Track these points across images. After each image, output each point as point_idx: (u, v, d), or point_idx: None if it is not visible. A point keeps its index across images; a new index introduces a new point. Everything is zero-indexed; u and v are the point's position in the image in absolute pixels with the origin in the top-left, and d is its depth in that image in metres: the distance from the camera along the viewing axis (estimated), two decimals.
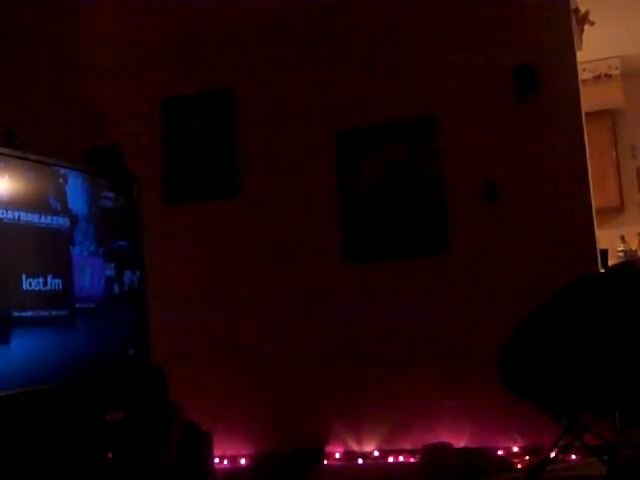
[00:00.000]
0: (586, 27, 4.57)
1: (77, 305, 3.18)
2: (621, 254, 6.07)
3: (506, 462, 3.74)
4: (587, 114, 4.14)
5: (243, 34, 4.45)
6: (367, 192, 4.20)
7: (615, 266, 4.27)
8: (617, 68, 6.29)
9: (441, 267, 4.06)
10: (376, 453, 4.04)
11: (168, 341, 4.11)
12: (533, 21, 4.02)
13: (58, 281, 3.08)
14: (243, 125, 4.43)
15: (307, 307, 4.23)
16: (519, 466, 3.70)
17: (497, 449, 3.84)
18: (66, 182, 3.21)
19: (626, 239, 6.21)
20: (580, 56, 4.26)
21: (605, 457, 3.08)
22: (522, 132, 4.00)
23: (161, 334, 3.90)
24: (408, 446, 3.97)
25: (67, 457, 2.86)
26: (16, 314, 2.84)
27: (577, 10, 4.37)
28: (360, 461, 4.02)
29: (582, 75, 4.84)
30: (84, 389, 3.15)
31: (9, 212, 2.87)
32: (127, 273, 3.51)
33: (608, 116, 6.47)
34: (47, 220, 3.07)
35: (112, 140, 3.82)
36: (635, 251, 6.15)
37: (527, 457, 3.76)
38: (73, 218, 3.21)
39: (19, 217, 2.92)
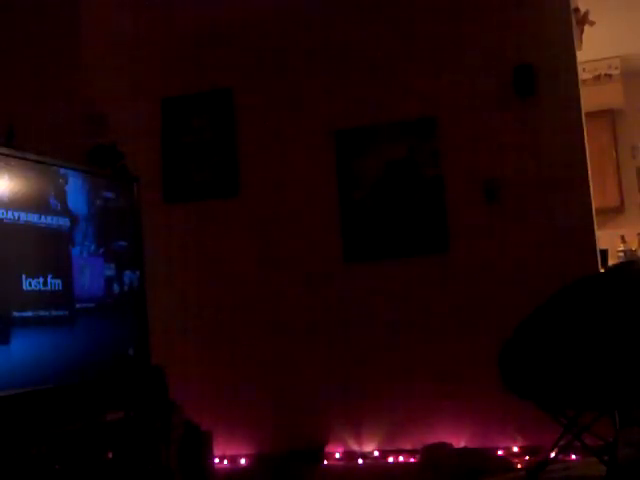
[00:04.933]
0: (586, 27, 4.57)
1: (77, 305, 3.18)
2: (621, 254, 6.07)
3: (506, 462, 3.74)
4: (587, 114, 4.14)
5: (243, 34, 4.45)
6: (367, 192, 4.20)
7: (615, 266, 4.27)
8: (617, 68, 6.28)
9: (441, 267, 4.06)
10: (376, 453, 4.04)
11: (168, 341, 4.11)
12: (533, 21, 4.02)
13: (58, 281, 3.08)
14: (243, 125, 4.43)
15: (307, 307, 4.23)
16: (519, 466, 3.70)
17: (497, 449, 3.84)
18: (66, 182, 3.21)
19: (626, 239, 6.21)
20: (580, 56, 4.26)
21: (605, 457, 3.08)
22: (522, 132, 4.00)
23: (161, 334, 3.90)
24: (408, 446, 3.97)
25: (67, 457, 2.86)
26: (16, 314, 2.84)
27: (577, 10, 4.38)
28: (360, 461, 4.02)
29: (582, 75, 4.85)
30: (84, 389, 3.15)
31: (9, 212, 2.87)
32: (127, 273, 3.51)
33: (608, 116, 6.46)
34: (47, 220, 3.07)
35: (112, 140, 3.82)
36: (635, 251, 6.15)
37: (527, 457, 3.76)
38: (73, 218, 3.22)
39: (19, 217, 2.92)
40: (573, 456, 3.63)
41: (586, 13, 4.50)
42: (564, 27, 4.02)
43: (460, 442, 3.90)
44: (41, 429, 2.81)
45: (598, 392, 2.99)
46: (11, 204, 2.88)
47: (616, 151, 6.48)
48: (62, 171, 3.20)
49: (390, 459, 3.98)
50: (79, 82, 4.49)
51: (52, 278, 3.04)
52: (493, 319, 3.87)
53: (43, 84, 4.41)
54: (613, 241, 6.03)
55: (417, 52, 4.19)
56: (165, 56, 4.57)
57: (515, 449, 3.83)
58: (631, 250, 6.14)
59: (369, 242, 4.19)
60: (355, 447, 4.09)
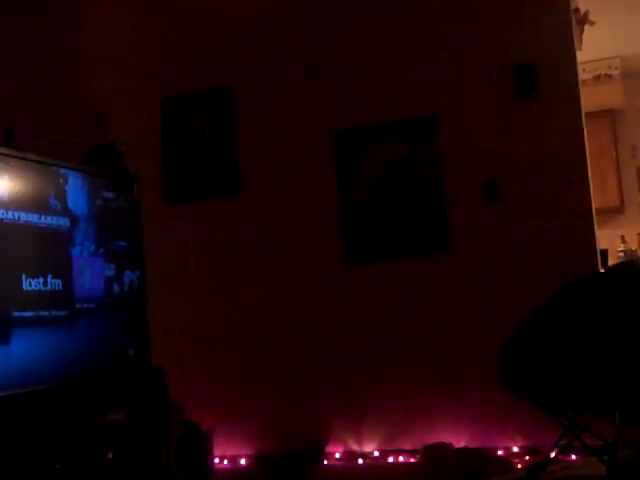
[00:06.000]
0: (586, 27, 4.57)
1: (77, 305, 3.18)
2: (621, 254, 6.06)
3: (506, 462, 3.74)
4: (587, 114, 4.14)
5: (243, 34, 4.46)
6: (367, 192, 4.20)
7: (615, 266, 4.27)
8: (617, 68, 6.28)
9: (441, 267, 4.06)
10: (376, 453, 4.04)
11: (168, 341, 4.11)
12: (533, 21, 4.02)
13: (58, 281, 3.07)
14: (243, 125, 4.43)
15: (307, 307, 4.23)
16: (519, 466, 3.70)
17: (497, 449, 3.84)
18: (66, 182, 3.21)
19: (626, 239, 6.21)
20: (580, 56, 4.26)
21: (605, 457, 3.08)
22: (522, 132, 4.00)
23: (161, 334, 3.90)
24: (408, 446, 3.97)
25: (67, 457, 2.86)
26: (16, 314, 2.84)
27: (577, 10, 4.37)
28: (360, 461, 4.02)
29: (582, 75, 4.84)
30: (84, 389, 3.14)
31: (9, 212, 2.87)
32: (127, 273, 3.51)
33: (608, 116, 6.46)
34: (47, 220, 3.07)
35: (112, 140, 3.82)
36: (635, 251, 6.15)
37: (527, 457, 3.76)
38: (73, 218, 3.22)
39: (19, 217, 2.92)
40: (573, 456, 3.63)
41: (586, 13, 4.50)
42: (564, 27, 4.02)
43: (460, 442, 3.90)
44: (41, 429, 2.80)
45: (598, 392, 2.99)
46: (11, 204, 2.88)
47: (616, 151, 6.47)
48: (62, 171, 3.20)
49: (390, 459, 3.98)
50: (79, 82, 4.48)
51: (52, 278, 3.04)
52: (493, 319, 3.87)
53: (43, 84, 4.40)
54: (613, 241, 6.03)
55: (417, 52, 4.19)
56: (165, 56, 4.57)
57: (515, 449, 3.83)
58: (631, 250, 6.13)
59: (369, 242, 4.19)
60: (355, 447, 4.09)
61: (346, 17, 4.31)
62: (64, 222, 3.17)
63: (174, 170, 4.51)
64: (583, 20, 4.49)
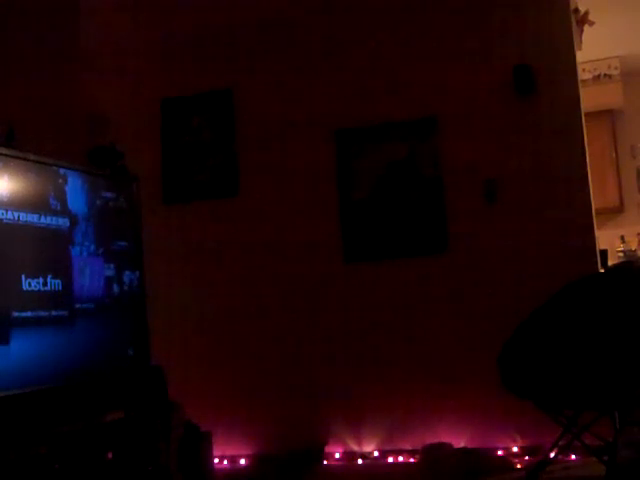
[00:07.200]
0: (586, 27, 4.57)
1: (77, 305, 3.18)
2: (621, 254, 6.07)
3: (506, 462, 3.74)
4: (587, 114, 4.14)
5: (243, 34, 4.45)
6: (367, 192, 4.20)
7: (615, 266, 4.27)
8: (617, 68, 6.29)
9: (441, 267, 4.06)
10: (376, 453, 4.04)
11: (168, 341, 4.11)
12: (533, 21, 4.02)
13: (58, 281, 3.08)
14: (243, 125, 4.43)
15: (307, 308, 4.23)
16: (519, 466, 3.70)
17: (497, 449, 3.84)
18: (66, 182, 3.21)
19: (626, 239, 6.22)
20: (580, 56, 4.26)
21: (605, 457, 3.08)
22: (522, 132, 4.00)
23: (161, 334, 3.90)
24: (408, 446, 3.97)
25: (67, 457, 2.86)
26: (16, 314, 2.84)
27: (577, 10, 4.38)
28: (360, 461, 4.02)
29: (582, 75, 4.86)
30: (84, 389, 3.15)
31: (9, 212, 2.87)
32: (127, 273, 3.51)
33: (608, 116, 6.46)
34: (47, 220, 3.07)
35: (112, 140, 3.82)
36: (635, 251, 6.15)
37: (527, 457, 3.76)
38: (73, 218, 3.22)
39: (19, 217, 2.92)
40: (573, 456, 3.63)
41: (586, 13, 4.50)
42: (564, 27, 4.02)
43: (460, 442, 3.90)
44: (41, 429, 2.81)
45: (598, 392, 2.99)
46: (11, 204, 2.88)
47: (616, 151, 6.48)
48: (62, 171, 3.20)
49: (390, 459, 3.98)
50: (79, 82, 4.48)
51: (52, 278, 3.04)
52: (493, 319, 3.87)
53: (43, 84, 4.40)
54: (613, 241, 6.03)
55: (417, 52, 4.19)
56: (165, 56, 4.57)
57: (515, 449, 3.83)
58: (631, 250, 6.14)
59: (369, 242, 4.19)
60: (355, 447, 4.08)
61: (346, 17, 4.31)
62: (64, 222, 3.17)
63: (174, 170, 4.51)
64: (583, 20, 4.50)
